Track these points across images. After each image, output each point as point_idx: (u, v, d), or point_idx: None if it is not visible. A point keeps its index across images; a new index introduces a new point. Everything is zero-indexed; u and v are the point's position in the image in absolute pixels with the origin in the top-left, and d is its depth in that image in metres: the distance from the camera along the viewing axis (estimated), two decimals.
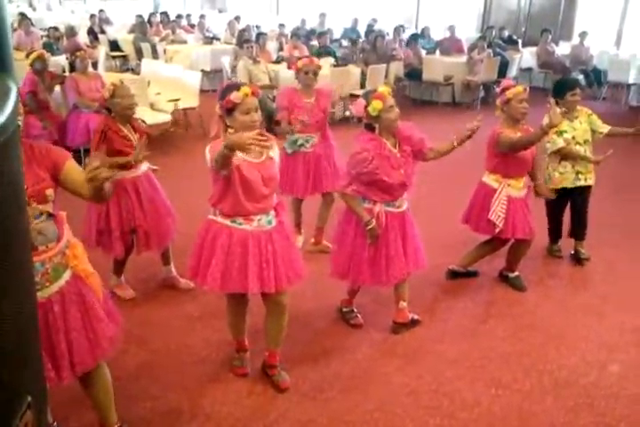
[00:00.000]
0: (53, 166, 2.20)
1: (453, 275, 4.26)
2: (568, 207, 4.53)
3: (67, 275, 2.27)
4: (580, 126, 4.27)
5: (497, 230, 3.89)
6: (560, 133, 4.20)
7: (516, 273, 4.19)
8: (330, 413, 2.92)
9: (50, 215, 2.22)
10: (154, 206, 3.74)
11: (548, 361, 3.36)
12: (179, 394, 3.02)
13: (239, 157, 2.63)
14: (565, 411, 2.97)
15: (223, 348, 3.36)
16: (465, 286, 4.19)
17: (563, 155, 4.27)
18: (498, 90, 3.89)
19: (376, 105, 3.10)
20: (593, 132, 4.33)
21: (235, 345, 3.22)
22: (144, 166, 3.76)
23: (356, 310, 3.72)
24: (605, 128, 4.34)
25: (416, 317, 3.67)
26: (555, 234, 4.66)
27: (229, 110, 2.64)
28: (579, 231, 4.53)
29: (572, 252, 4.62)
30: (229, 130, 2.67)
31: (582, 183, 4.33)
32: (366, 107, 3.13)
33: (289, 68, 4.62)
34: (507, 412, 2.96)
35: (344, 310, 3.72)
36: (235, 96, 2.60)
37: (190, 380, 3.14)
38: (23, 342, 1.28)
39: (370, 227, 3.25)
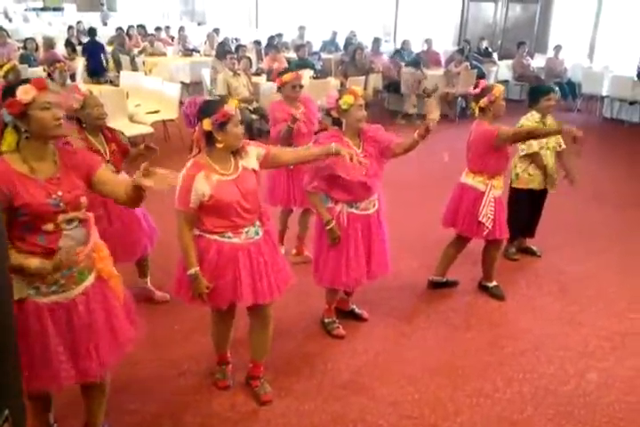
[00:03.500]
0: (87, 171, 2.28)
1: (434, 285, 4.29)
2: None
3: (92, 277, 2.35)
4: None
5: (485, 232, 3.93)
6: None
7: (495, 283, 4.24)
8: (312, 424, 2.91)
9: (81, 221, 2.28)
10: (122, 220, 3.67)
11: (528, 370, 3.39)
12: (159, 408, 2.99)
13: (214, 180, 2.61)
14: (546, 420, 2.99)
15: (204, 360, 3.33)
16: (445, 296, 4.21)
17: (532, 159, 4.46)
18: (475, 91, 3.87)
19: (347, 99, 3.18)
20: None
21: (217, 358, 3.20)
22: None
23: (337, 320, 3.72)
24: (562, 144, 4.54)
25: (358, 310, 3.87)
26: (517, 233, 4.73)
27: (223, 124, 2.58)
28: (533, 230, 4.85)
29: (523, 247, 4.93)
30: (218, 145, 2.62)
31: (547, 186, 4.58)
32: (338, 100, 3.20)
33: (272, 80, 4.54)
34: (488, 421, 2.97)
35: (326, 320, 3.72)
36: (230, 108, 2.59)
37: (171, 393, 3.11)
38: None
39: (329, 227, 3.29)
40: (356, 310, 3.87)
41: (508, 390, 3.21)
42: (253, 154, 2.78)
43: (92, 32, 11.51)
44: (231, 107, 2.60)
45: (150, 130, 7.30)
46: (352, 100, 3.17)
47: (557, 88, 11.57)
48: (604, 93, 10.67)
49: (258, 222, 2.82)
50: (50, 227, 2.16)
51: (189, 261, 2.71)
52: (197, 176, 2.60)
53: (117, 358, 2.47)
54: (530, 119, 4.41)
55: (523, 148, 4.45)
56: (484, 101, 3.82)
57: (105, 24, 15.90)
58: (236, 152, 2.73)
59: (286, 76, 4.25)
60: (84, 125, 3.56)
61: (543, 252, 4.87)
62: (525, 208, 4.64)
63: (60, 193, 2.17)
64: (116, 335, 2.42)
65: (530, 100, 4.48)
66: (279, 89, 4.37)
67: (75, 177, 2.24)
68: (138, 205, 2.36)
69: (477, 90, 3.86)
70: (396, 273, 4.23)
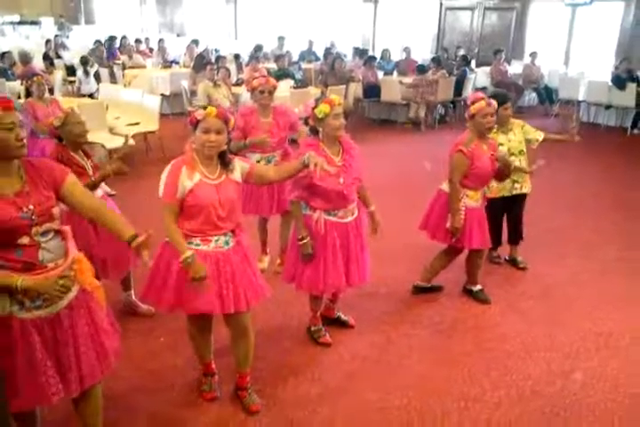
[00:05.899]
0: (54, 183, 2.27)
1: (419, 290, 4.31)
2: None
3: (75, 289, 2.33)
4: (514, 138, 4.42)
5: (453, 240, 3.96)
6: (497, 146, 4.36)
7: (479, 286, 4.27)
8: None
9: (57, 232, 2.27)
10: (111, 234, 3.65)
11: (514, 372, 3.41)
12: (148, 422, 2.96)
13: (196, 178, 2.69)
14: (533, 421, 3.01)
15: (191, 373, 3.31)
16: (431, 301, 4.23)
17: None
18: (469, 102, 3.91)
19: (323, 108, 3.16)
20: (528, 141, 4.48)
21: (202, 369, 3.18)
22: (99, 192, 3.66)
23: (324, 328, 3.72)
24: (541, 135, 4.50)
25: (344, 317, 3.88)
26: (494, 241, 4.75)
27: (194, 127, 2.71)
28: (514, 237, 4.82)
29: (507, 257, 4.89)
30: (193, 145, 2.73)
31: (518, 191, 4.56)
32: (314, 109, 3.20)
33: (248, 89, 4.55)
34: (476, 425, 2.98)
35: (312, 328, 3.72)
36: (199, 113, 2.68)
37: (159, 407, 3.07)
38: None
39: (302, 242, 3.29)
40: (342, 317, 3.88)
41: (496, 393, 3.23)
42: (238, 168, 2.84)
43: (110, 39, 13.72)
44: (201, 113, 2.68)
45: (131, 142, 7.26)
46: (328, 109, 3.15)
47: (534, 97, 11.85)
48: (580, 98, 10.85)
49: (230, 233, 2.83)
50: (25, 240, 2.15)
51: (180, 248, 2.68)
52: (182, 169, 2.69)
53: (105, 369, 2.45)
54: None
55: None
56: (468, 112, 3.87)
57: (61, 35, 15.58)
58: (222, 162, 2.79)
59: (255, 82, 4.23)
60: (63, 142, 3.54)
61: (528, 263, 4.83)
62: (501, 216, 4.67)
63: (30, 207, 2.16)
64: (102, 348, 2.40)
65: None
66: (252, 96, 4.35)
67: (43, 189, 2.24)
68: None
69: (469, 101, 3.90)
70: (382, 279, 4.25)
